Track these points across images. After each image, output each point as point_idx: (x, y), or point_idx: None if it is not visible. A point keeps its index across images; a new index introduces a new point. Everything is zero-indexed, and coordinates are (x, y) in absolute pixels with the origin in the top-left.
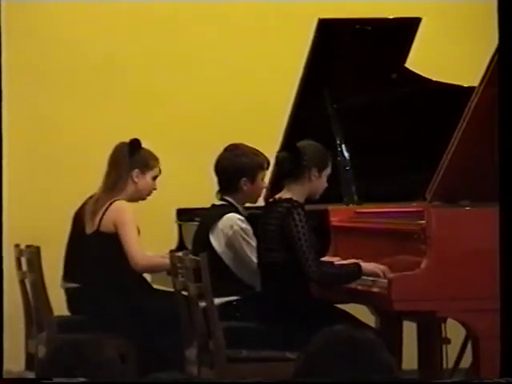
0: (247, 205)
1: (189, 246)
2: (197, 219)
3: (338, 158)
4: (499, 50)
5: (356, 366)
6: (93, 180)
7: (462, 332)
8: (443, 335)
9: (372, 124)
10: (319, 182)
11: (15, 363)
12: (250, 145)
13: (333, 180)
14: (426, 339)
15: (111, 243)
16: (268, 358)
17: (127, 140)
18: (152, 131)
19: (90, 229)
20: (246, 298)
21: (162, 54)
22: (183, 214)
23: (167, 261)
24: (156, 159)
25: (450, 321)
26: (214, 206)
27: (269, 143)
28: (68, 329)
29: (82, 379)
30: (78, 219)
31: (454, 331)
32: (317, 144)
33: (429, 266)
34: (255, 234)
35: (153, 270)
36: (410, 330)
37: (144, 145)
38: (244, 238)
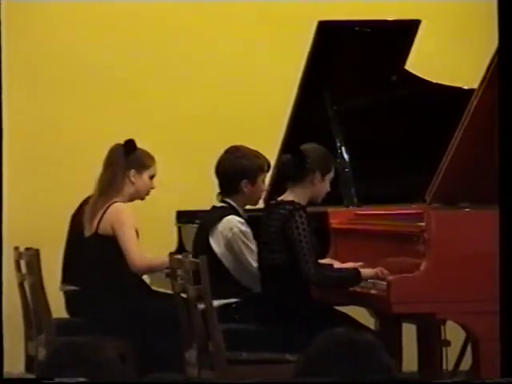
0: (247, 207)
1: (188, 248)
2: (197, 221)
3: (338, 160)
4: (499, 51)
5: (356, 368)
6: (93, 182)
7: (462, 334)
8: (443, 337)
9: (372, 126)
10: (322, 185)
11: (15, 365)
12: (250, 147)
13: (332, 182)
14: (425, 341)
15: (110, 245)
16: (268, 360)
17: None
18: (152, 132)
19: (88, 231)
20: (245, 300)
21: (161, 55)
22: (183, 217)
23: (166, 259)
24: (152, 158)
25: (449, 323)
26: (214, 207)
27: (269, 145)
28: (67, 331)
29: (82, 379)
30: (76, 221)
31: (454, 333)
32: (321, 147)
33: (428, 268)
34: (256, 235)
35: (152, 271)
36: (409, 332)
37: (144, 146)
38: (243, 241)
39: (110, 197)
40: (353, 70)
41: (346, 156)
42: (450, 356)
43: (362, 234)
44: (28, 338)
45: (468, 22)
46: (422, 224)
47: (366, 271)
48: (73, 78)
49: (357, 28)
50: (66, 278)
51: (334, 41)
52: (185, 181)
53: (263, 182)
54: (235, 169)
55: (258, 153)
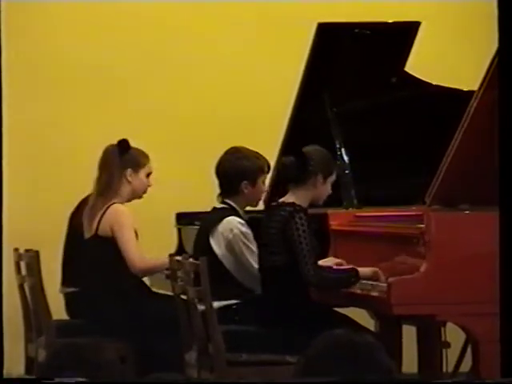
0: (248, 208)
1: (188, 249)
2: (196, 223)
3: (338, 162)
4: (499, 52)
5: (355, 370)
6: (93, 183)
7: (462, 336)
8: (443, 339)
9: (371, 128)
10: (323, 188)
11: (15, 367)
12: (249, 147)
13: (333, 184)
14: (425, 343)
15: (110, 247)
16: (268, 361)
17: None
18: (152, 133)
19: (88, 233)
20: (245, 302)
21: (161, 55)
22: (182, 218)
23: (166, 261)
24: (146, 156)
25: (449, 324)
26: (214, 209)
27: (268, 146)
28: (67, 333)
29: (82, 379)
30: (74, 222)
31: (454, 335)
32: (323, 150)
33: (428, 269)
34: (257, 237)
35: (151, 272)
36: (409, 333)
37: (144, 147)
38: (244, 242)
39: (108, 198)
40: (352, 71)
41: (345, 158)
42: (450, 358)
43: (361, 236)
44: (28, 339)
45: (468, 23)
46: (422, 226)
47: (364, 270)
48: (73, 78)
49: (356, 30)
50: (66, 280)
51: (333, 43)
52: (185, 182)
53: (263, 183)
54: (235, 170)
55: (258, 154)
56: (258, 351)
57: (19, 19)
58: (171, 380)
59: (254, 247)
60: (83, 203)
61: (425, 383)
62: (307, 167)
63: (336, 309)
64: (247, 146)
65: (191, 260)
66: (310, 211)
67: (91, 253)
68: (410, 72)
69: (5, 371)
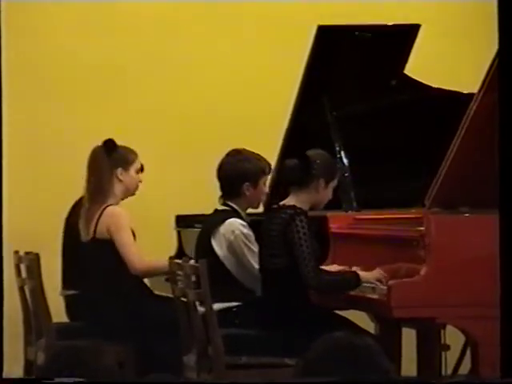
0: (248, 211)
1: (188, 252)
2: (196, 225)
3: (337, 165)
4: (499, 53)
5: (355, 373)
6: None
7: (462, 338)
8: (442, 342)
9: (371, 131)
10: (325, 193)
11: (14, 370)
12: (249, 149)
13: (334, 189)
14: (425, 346)
15: (108, 249)
16: (267, 364)
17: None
18: (152, 133)
19: (85, 236)
20: (245, 304)
21: (161, 56)
22: (182, 221)
23: (166, 263)
24: (134, 153)
25: (449, 327)
26: (216, 211)
27: (268, 147)
28: (67, 335)
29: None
30: (70, 225)
31: (454, 338)
32: (326, 154)
33: (428, 272)
34: (257, 239)
35: (152, 273)
36: (409, 336)
37: (144, 147)
38: (245, 243)
39: (102, 200)
40: (352, 74)
41: (345, 161)
42: (450, 360)
43: (361, 239)
44: (27, 342)
45: (468, 24)
46: (422, 228)
47: (365, 274)
48: (73, 78)
49: (356, 33)
50: (66, 283)
51: (333, 45)
52: (184, 184)
53: (265, 184)
54: (237, 172)
55: (259, 155)
56: (258, 354)
57: (19, 19)
58: (171, 380)
59: (255, 248)
60: (77, 205)
61: (424, 383)
62: (310, 171)
63: (336, 311)
64: (247, 147)
65: (191, 263)
66: (310, 214)
67: (90, 256)
68: (410, 74)
69: (4, 375)
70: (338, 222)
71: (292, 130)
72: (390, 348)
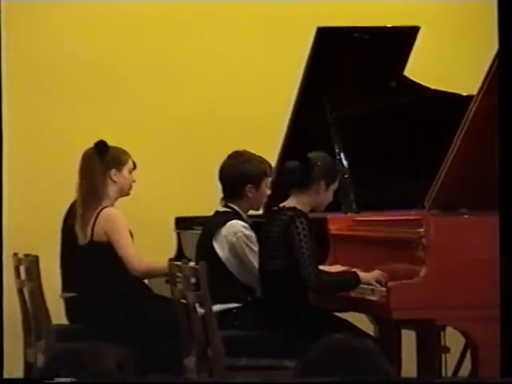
0: (250, 212)
1: (187, 254)
2: (195, 227)
3: (337, 166)
4: (499, 53)
5: (355, 375)
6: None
7: (462, 340)
8: (442, 344)
9: (371, 132)
10: (326, 195)
11: (14, 372)
12: (249, 150)
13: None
14: (425, 347)
15: (106, 252)
16: (267, 366)
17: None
18: (151, 133)
19: (83, 240)
20: (245, 306)
21: (161, 57)
22: (182, 223)
23: (165, 264)
24: (126, 153)
25: (449, 329)
26: (217, 212)
27: (268, 148)
28: (66, 337)
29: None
30: (67, 229)
31: (454, 340)
32: (328, 157)
33: (427, 274)
34: (258, 240)
35: (151, 274)
36: (409, 338)
37: (143, 148)
38: (247, 244)
39: (97, 203)
40: (352, 76)
41: (344, 162)
42: (450, 362)
43: (360, 240)
44: (27, 344)
45: (468, 24)
46: (421, 230)
47: (364, 275)
48: (73, 78)
49: (356, 34)
50: (66, 286)
51: (332, 47)
52: (184, 186)
53: (266, 186)
54: (239, 174)
55: (261, 157)
56: (258, 356)
57: (19, 19)
58: (171, 380)
59: (256, 249)
60: (73, 208)
61: (424, 383)
62: (311, 173)
63: (336, 313)
64: (247, 148)
65: (191, 264)
66: (310, 216)
67: (88, 259)
68: (410, 74)
69: (4, 373)
70: (337, 223)
71: (292, 132)
72: (390, 350)
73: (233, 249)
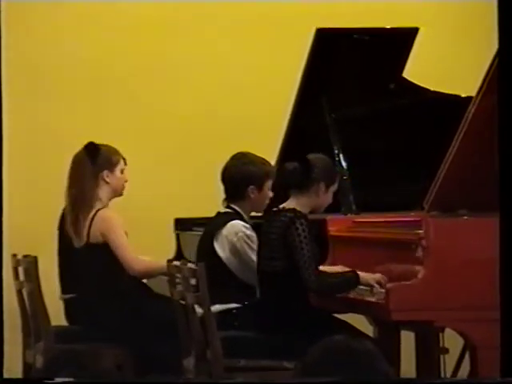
0: (251, 214)
1: (187, 255)
2: (195, 228)
3: (336, 168)
4: (499, 53)
5: (354, 376)
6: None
7: (460, 342)
8: (441, 345)
9: (370, 134)
10: (325, 197)
11: (13, 373)
12: (248, 151)
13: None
14: (423, 349)
15: (103, 253)
16: (266, 367)
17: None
18: (151, 134)
19: (79, 243)
20: (245, 306)
21: (161, 58)
22: (181, 224)
23: (164, 264)
24: (117, 152)
25: (448, 330)
26: (219, 213)
27: (267, 151)
28: (65, 338)
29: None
30: (64, 231)
31: (452, 341)
32: (327, 158)
33: (427, 275)
34: (258, 241)
35: (149, 274)
36: (408, 339)
37: (143, 149)
38: (248, 243)
39: (89, 207)
40: (351, 77)
41: (344, 164)
42: (448, 363)
43: (360, 242)
44: (26, 345)
45: (468, 24)
46: (421, 232)
47: (364, 274)
48: (73, 78)
49: (355, 36)
50: (65, 288)
51: (332, 48)
52: (184, 187)
53: (269, 188)
54: (242, 175)
55: (264, 159)
56: (257, 357)
57: (19, 19)
58: (170, 380)
59: (257, 248)
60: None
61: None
62: (310, 174)
63: (335, 314)
64: (247, 149)
65: (190, 265)
66: (309, 217)
67: (86, 261)
68: (410, 75)
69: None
70: (337, 225)
71: (291, 133)
72: (389, 351)
73: (234, 248)
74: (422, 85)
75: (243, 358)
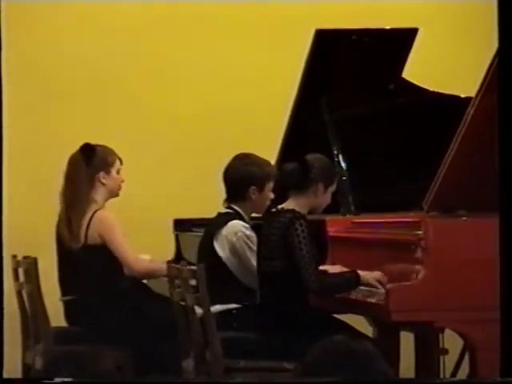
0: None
1: (186, 256)
2: (194, 229)
3: (336, 169)
4: (499, 53)
5: (353, 377)
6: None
7: (460, 342)
8: (441, 346)
9: (369, 134)
10: (324, 197)
11: (12, 374)
12: (247, 152)
13: (332, 193)
14: (423, 350)
15: (102, 254)
16: (266, 368)
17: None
18: (150, 138)
19: (76, 245)
20: (244, 308)
21: (161, 59)
22: (180, 225)
23: (164, 266)
24: (113, 153)
25: (447, 331)
26: (219, 214)
27: (266, 152)
28: (65, 340)
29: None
30: (62, 236)
31: (452, 342)
32: (325, 159)
33: (426, 276)
34: (257, 242)
35: (150, 274)
36: (407, 340)
37: (143, 150)
38: (247, 243)
39: (85, 208)
40: (350, 78)
41: (343, 164)
42: (448, 364)
43: (359, 243)
44: (25, 347)
45: (468, 24)
46: (420, 232)
47: (365, 274)
48: (73, 79)
49: (354, 36)
50: (64, 290)
51: (331, 49)
52: (183, 188)
53: (270, 190)
54: (243, 175)
55: (266, 161)
56: (256, 358)
57: (19, 19)
58: (170, 380)
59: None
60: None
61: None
62: (309, 175)
63: (335, 315)
64: (246, 150)
65: (189, 267)
66: (308, 218)
67: (84, 262)
68: (410, 75)
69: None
70: (336, 225)
71: (290, 133)
72: (389, 352)
73: (233, 248)
74: (421, 85)
75: (243, 359)
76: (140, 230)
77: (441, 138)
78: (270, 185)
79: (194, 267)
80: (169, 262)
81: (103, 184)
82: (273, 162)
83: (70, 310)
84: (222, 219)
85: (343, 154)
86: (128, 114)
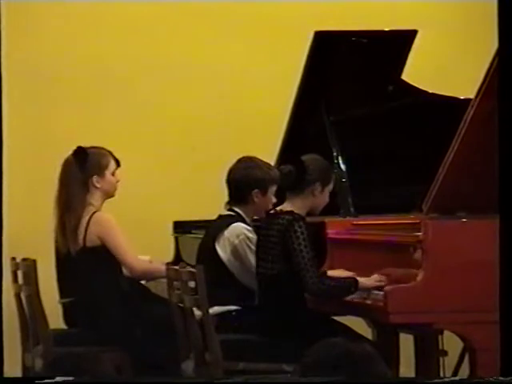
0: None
1: (185, 258)
2: (193, 231)
3: (335, 170)
4: (499, 53)
5: (353, 379)
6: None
7: (459, 344)
8: (440, 347)
9: (368, 136)
10: (321, 197)
11: (12, 375)
12: (247, 153)
13: (330, 192)
14: (422, 351)
15: (101, 255)
16: (265, 370)
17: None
18: (150, 135)
19: (75, 247)
20: (244, 309)
21: (161, 60)
22: (180, 227)
23: (163, 268)
24: (106, 155)
25: (447, 332)
26: (220, 216)
27: (266, 154)
28: (64, 342)
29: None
30: (57, 239)
31: (451, 343)
32: (321, 159)
33: (425, 278)
34: (256, 244)
35: (150, 275)
36: (406, 342)
37: (142, 153)
38: (249, 246)
39: (79, 212)
40: (349, 80)
41: (342, 166)
42: (448, 366)
43: (358, 244)
44: (25, 349)
45: (468, 24)
46: (419, 234)
47: (363, 280)
48: (73, 79)
49: (353, 38)
50: (64, 294)
51: (330, 51)
52: (183, 189)
53: (273, 194)
54: (247, 178)
55: (270, 165)
56: (256, 360)
57: (19, 19)
58: (169, 380)
59: None
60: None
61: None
62: (305, 176)
63: (334, 317)
64: (246, 152)
65: (188, 269)
66: (308, 219)
67: (83, 264)
68: (410, 75)
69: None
70: (335, 227)
71: (289, 136)
72: (388, 354)
73: (235, 251)
74: (420, 87)
75: (242, 361)
76: (139, 230)
77: (440, 139)
78: (273, 188)
79: (193, 269)
80: (168, 264)
81: (97, 187)
82: (272, 163)
83: (68, 312)
84: (224, 221)
85: (343, 155)
86: (128, 114)
